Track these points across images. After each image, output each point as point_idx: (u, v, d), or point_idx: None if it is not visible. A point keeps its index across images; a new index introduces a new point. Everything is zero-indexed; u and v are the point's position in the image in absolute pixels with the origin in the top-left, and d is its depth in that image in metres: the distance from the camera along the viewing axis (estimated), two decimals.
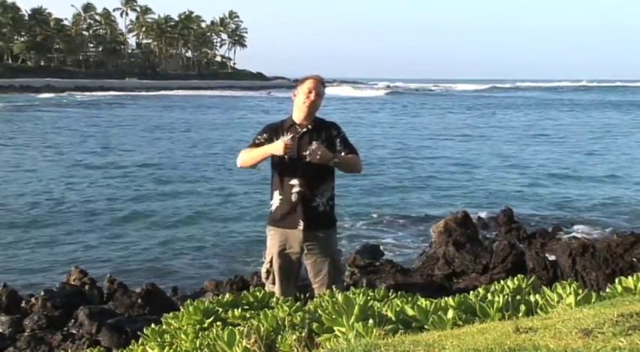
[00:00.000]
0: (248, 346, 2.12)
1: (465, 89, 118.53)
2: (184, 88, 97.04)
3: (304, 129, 4.31)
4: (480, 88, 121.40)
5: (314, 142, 4.19)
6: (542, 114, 50.29)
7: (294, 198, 4.27)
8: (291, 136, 4.16)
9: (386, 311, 2.23)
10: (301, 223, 4.27)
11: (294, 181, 4.26)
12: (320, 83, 4.36)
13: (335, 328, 2.15)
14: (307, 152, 4.15)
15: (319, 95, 4.32)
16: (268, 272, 4.40)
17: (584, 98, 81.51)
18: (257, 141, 4.33)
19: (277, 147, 4.14)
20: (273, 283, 4.36)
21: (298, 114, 4.34)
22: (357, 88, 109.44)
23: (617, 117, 47.11)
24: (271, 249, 4.39)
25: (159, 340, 2.63)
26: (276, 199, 4.34)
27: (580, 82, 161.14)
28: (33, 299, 6.73)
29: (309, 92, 4.28)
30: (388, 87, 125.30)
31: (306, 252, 4.33)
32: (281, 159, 4.26)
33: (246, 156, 4.34)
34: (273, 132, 4.34)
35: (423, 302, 2.28)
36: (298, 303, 2.67)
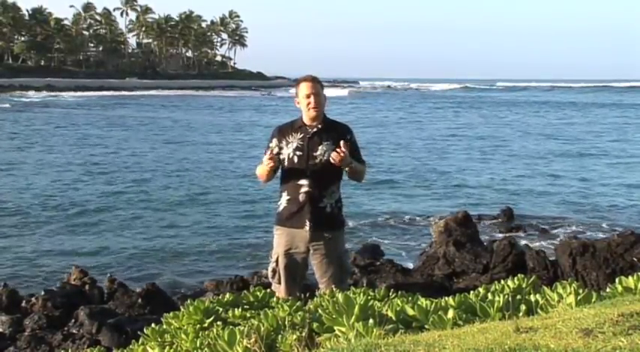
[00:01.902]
0: (248, 346, 2.12)
1: (439, 89, 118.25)
2: (185, 87, 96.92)
3: (314, 130, 4.32)
4: (453, 87, 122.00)
5: (341, 143, 4.17)
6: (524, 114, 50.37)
7: (302, 198, 4.27)
8: (269, 156, 4.21)
9: (386, 310, 2.23)
10: (308, 223, 4.26)
11: (303, 181, 4.27)
12: (315, 82, 4.38)
13: (335, 328, 2.15)
14: (328, 154, 4.15)
15: (318, 94, 4.34)
16: (274, 271, 4.40)
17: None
18: (269, 150, 4.35)
19: (264, 164, 4.23)
20: (279, 282, 4.36)
21: (306, 118, 4.36)
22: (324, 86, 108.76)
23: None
24: (277, 249, 4.39)
25: (159, 340, 2.64)
26: (284, 199, 4.36)
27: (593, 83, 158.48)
28: (33, 299, 6.73)
29: (308, 97, 4.31)
30: (389, 87, 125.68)
31: (312, 252, 4.33)
32: (290, 159, 4.28)
33: (258, 175, 4.43)
34: (282, 135, 4.37)
35: (423, 301, 2.28)
36: (298, 303, 2.67)
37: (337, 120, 4.51)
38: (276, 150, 4.33)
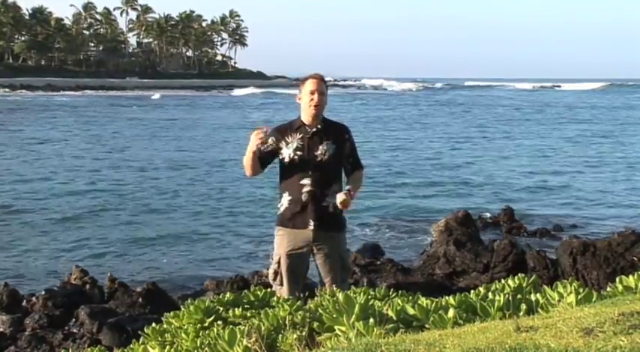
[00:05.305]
0: (249, 345, 2.12)
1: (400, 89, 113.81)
2: (185, 87, 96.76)
3: (314, 129, 4.31)
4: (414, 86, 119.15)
5: (339, 195, 4.18)
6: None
7: (304, 197, 4.24)
8: (259, 130, 4.16)
9: (387, 310, 2.23)
10: (312, 223, 4.24)
11: (305, 181, 4.25)
12: (321, 81, 4.36)
13: (336, 327, 2.15)
14: (338, 200, 4.17)
15: (322, 94, 4.33)
16: (276, 273, 4.34)
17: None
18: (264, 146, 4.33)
19: (252, 141, 4.17)
20: (281, 284, 4.29)
21: (306, 116, 4.34)
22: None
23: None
24: (279, 250, 4.33)
25: (160, 339, 2.63)
26: (286, 200, 4.32)
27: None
28: (34, 299, 6.74)
29: (312, 93, 4.29)
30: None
31: (315, 251, 4.30)
32: (291, 159, 4.27)
33: (244, 165, 4.36)
34: (280, 134, 4.34)
35: (423, 301, 2.27)
36: (299, 302, 2.67)
37: (335, 121, 4.50)
38: (272, 147, 4.31)
